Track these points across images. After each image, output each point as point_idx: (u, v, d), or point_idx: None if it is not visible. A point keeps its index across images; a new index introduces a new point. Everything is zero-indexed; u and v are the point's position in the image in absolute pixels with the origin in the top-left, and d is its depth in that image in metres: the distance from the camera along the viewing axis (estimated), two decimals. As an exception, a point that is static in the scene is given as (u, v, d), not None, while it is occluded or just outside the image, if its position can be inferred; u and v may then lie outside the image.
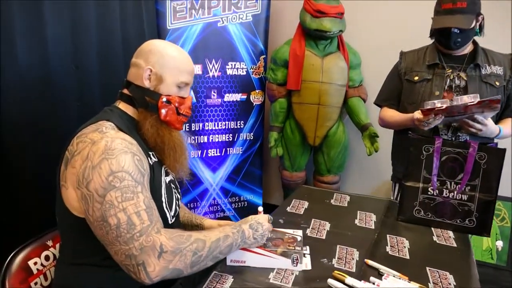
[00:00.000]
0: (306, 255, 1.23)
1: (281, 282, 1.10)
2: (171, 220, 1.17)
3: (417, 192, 1.51)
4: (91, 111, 1.86)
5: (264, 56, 2.74)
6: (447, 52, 1.70)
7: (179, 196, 1.27)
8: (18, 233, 1.63)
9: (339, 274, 1.11)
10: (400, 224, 1.52)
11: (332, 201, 1.73)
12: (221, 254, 1.05)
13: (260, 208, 1.21)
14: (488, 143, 1.48)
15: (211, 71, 2.61)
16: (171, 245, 0.95)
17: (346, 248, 1.30)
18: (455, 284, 1.12)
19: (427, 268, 1.20)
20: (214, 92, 2.65)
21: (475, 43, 1.70)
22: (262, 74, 2.77)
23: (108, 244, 0.95)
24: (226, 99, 2.70)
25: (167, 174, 1.21)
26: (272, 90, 2.67)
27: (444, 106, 1.44)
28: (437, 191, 1.48)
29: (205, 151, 2.73)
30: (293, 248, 1.18)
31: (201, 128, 2.68)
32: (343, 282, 1.09)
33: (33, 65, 1.78)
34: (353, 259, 1.23)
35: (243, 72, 2.70)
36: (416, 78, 1.75)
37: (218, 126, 2.73)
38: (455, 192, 1.46)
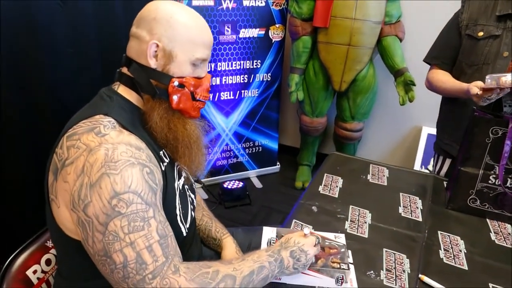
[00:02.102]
0: (350, 265, 1.05)
1: (324, 309, 0.94)
2: (185, 233, 0.96)
3: (476, 179, 1.29)
4: (88, 61, 1.50)
5: (287, -16, 2.33)
6: None
7: (193, 197, 1.05)
8: (14, 231, 1.41)
9: (393, 301, 0.94)
10: (451, 214, 1.32)
11: (369, 176, 1.52)
12: (251, 280, 0.85)
13: (307, 230, 0.99)
14: None
15: (224, 2, 2.22)
16: None
17: (394, 255, 1.11)
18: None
19: (491, 286, 1.03)
20: (228, 27, 2.30)
21: None
22: (284, 5, 2.37)
23: (114, 284, 0.76)
24: (241, 35, 2.35)
25: (179, 176, 0.98)
26: (295, 26, 2.31)
27: (510, 82, 1.16)
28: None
29: (217, 94, 2.46)
30: (338, 264, 0.99)
31: (212, 69, 2.37)
32: (398, 312, 0.92)
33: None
34: (404, 271, 1.06)
35: (261, 3, 2.31)
36: (481, 33, 1.41)
37: (232, 66, 2.42)
38: (523, 184, 1.24)
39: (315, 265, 0.99)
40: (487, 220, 1.30)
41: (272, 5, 2.34)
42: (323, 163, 1.63)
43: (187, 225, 0.96)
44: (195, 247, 1.05)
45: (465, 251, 1.15)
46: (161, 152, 0.91)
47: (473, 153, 1.28)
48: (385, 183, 1.48)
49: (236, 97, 2.52)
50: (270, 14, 2.36)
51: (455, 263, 1.10)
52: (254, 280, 0.84)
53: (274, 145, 2.82)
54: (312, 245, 0.95)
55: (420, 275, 1.04)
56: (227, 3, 2.23)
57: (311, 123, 2.59)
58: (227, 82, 2.45)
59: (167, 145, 0.91)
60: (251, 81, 2.51)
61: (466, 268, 1.09)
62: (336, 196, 1.39)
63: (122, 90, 0.91)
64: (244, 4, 2.27)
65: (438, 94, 1.57)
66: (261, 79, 2.54)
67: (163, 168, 0.87)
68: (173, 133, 0.90)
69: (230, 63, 2.40)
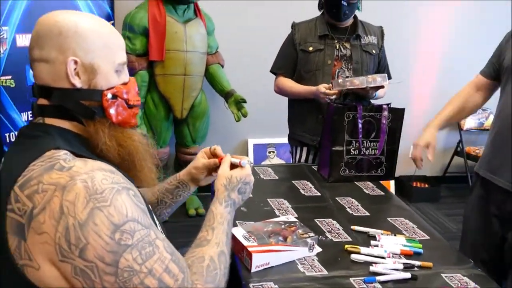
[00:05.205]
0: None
1: (316, 272, 1.11)
2: None
3: (342, 154, 1.70)
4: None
5: (112, 22, 2.34)
6: (334, 24, 1.90)
7: None
8: None
9: (352, 247, 1.20)
10: (333, 185, 1.69)
11: (261, 175, 1.75)
12: (229, 239, 0.91)
13: (244, 162, 0.99)
14: (369, 104, 1.83)
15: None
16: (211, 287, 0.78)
17: (324, 221, 1.38)
18: (416, 225, 1.39)
19: (389, 219, 1.42)
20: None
21: (355, 17, 1.95)
22: (113, 43, 2.37)
23: None
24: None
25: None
26: (131, 62, 2.34)
27: (354, 86, 1.73)
28: (357, 150, 1.71)
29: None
30: (307, 235, 1.18)
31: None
32: (359, 253, 1.18)
33: None
34: (339, 229, 1.34)
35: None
36: (311, 48, 1.90)
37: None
38: (370, 149, 1.73)
39: (286, 242, 1.14)
40: (355, 182, 1.74)
41: (101, 44, 2.30)
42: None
43: None
44: None
45: (360, 204, 1.53)
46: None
47: (337, 136, 1.69)
48: (277, 178, 1.75)
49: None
50: (100, 52, 2.31)
51: (360, 213, 1.46)
52: (228, 234, 0.90)
53: (118, 187, 2.70)
54: (250, 173, 1.00)
55: (351, 227, 1.34)
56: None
57: (157, 155, 2.62)
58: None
59: (122, 163, 0.86)
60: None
61: (369, 214, 1.46)
62: (252, 194, 1.55)
63: (52, 122, 0.80)
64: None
65: (285, 96, 2.00)
66: (99, 120, 2.42)
67: None
68: (125, 148, 0.85)
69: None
